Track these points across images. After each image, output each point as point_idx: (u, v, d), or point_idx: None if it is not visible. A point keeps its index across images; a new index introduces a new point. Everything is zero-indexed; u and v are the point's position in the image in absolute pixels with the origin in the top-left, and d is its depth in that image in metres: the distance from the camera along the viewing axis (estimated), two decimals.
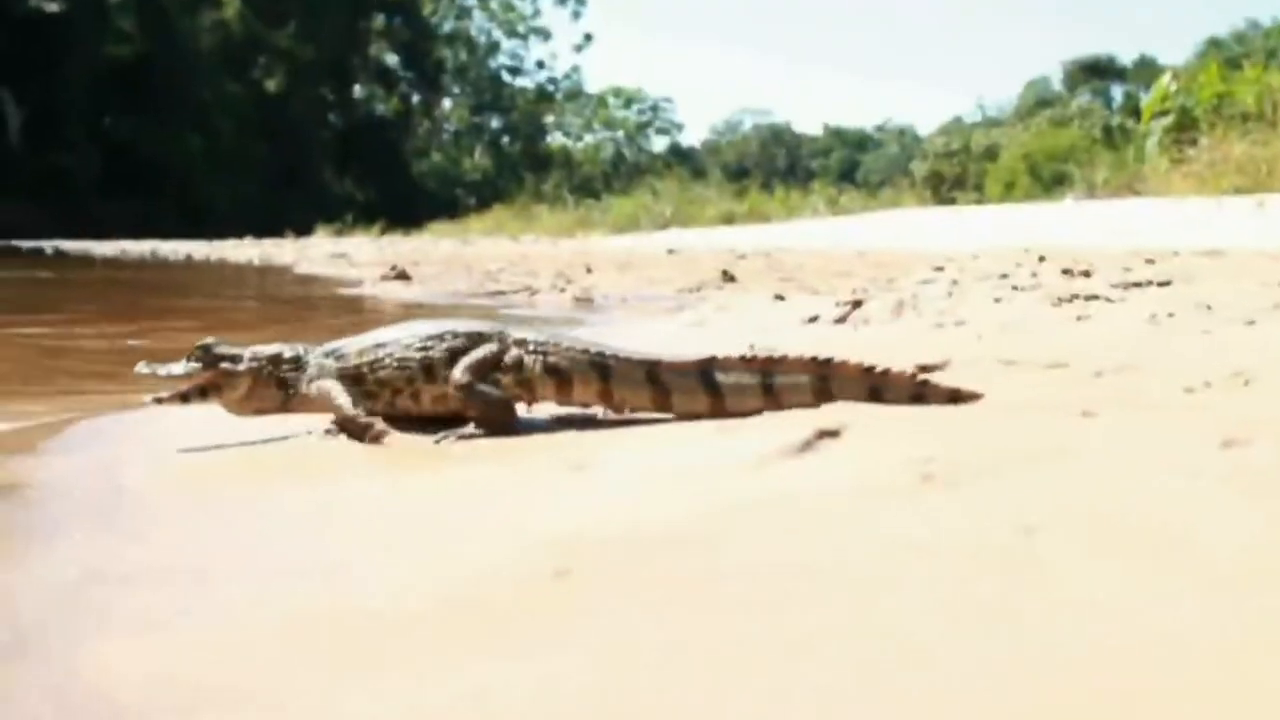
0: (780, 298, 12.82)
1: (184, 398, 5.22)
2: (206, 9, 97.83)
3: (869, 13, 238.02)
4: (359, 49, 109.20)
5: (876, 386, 4.74)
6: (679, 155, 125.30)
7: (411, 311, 16.41)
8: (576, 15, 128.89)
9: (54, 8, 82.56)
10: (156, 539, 3.51)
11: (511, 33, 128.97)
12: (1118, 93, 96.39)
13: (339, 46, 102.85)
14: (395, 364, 5.09)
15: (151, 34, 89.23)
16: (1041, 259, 14.71)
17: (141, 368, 5.24)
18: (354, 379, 5.13)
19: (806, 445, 3.49)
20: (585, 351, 5.02)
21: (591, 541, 2.80)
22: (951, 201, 54.46)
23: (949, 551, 2.46)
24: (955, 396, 4.70)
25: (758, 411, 4.73)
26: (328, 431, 4.90)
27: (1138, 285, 9.72)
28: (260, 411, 5.28)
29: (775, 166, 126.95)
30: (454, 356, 5.04)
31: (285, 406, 5.27)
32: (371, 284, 22.22)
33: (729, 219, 55.22)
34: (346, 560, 3.00)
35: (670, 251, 30.97)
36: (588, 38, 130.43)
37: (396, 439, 4.92)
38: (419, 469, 4.30)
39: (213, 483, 4.40)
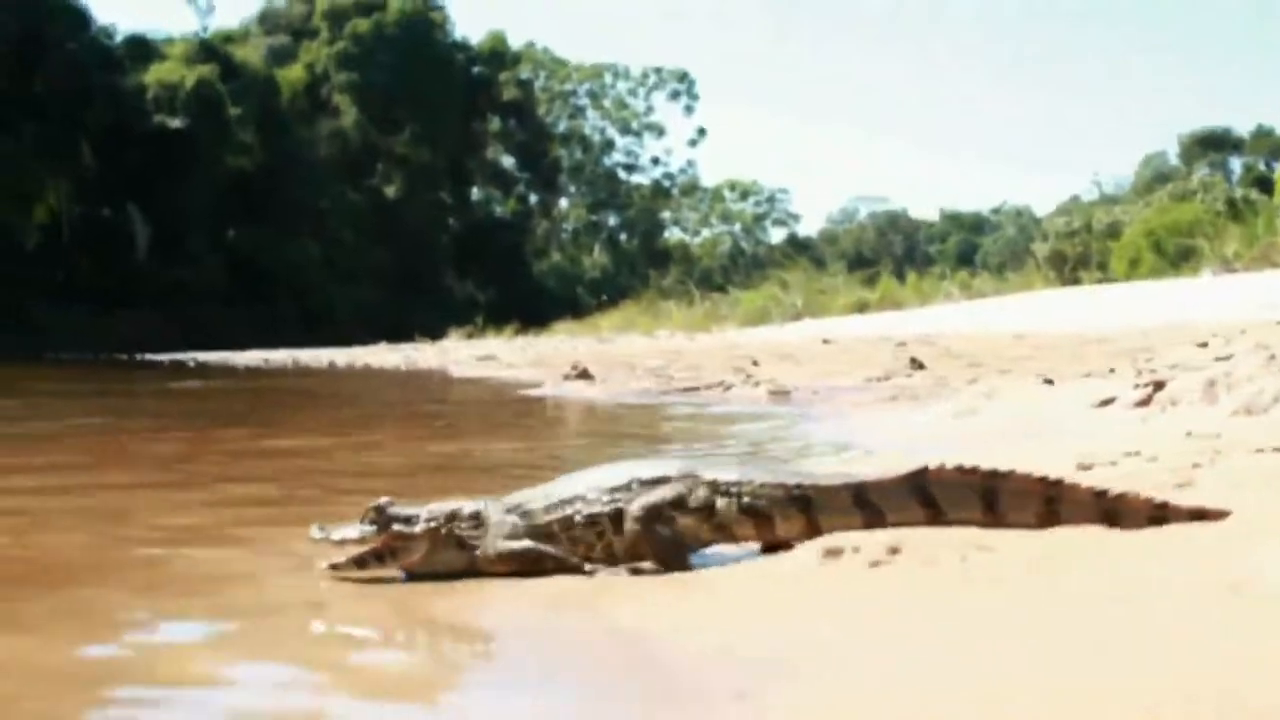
0: (1049, 381, 12.25)
1: (360, 563, 5.00)
2: (324, 119, 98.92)
3: (978, 94, 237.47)
4: (475, 152, 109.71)
5: (1111, 510, 4.38)
6: (797, 246, 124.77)
7: (612, 414, 16.05)
8: (689, 110, 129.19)
9: (178, 123, 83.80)
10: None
11: (626, 130, 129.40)
12: (1236, 164, 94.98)
13: (455, 150, 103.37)
14: (585, 520, 4.87)
15: (271, 145, 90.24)
16: None
17: (314, 532, 5.07)
18: (545, 537, 4.90)
19: None
20: (782, 486, 4.76)
21: None
22: (1076, 281, 53.64)
23: None
24: (1200, 515, 4.28)
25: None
26: (828, 553, 4.32)
27: None
28: (443, 574, 4.98)
29: (893, 253, 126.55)
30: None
31: (471, 567, 4.99)
32: (553, 385, 21.84)
33: (861, 307, 54.48)
34: None
35: (825, 342, 30.49)
36: (701, 132, 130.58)
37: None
38: (987, 592, 3.75)
39: (748, 625, 3.86)
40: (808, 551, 4.41)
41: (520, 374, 27.70)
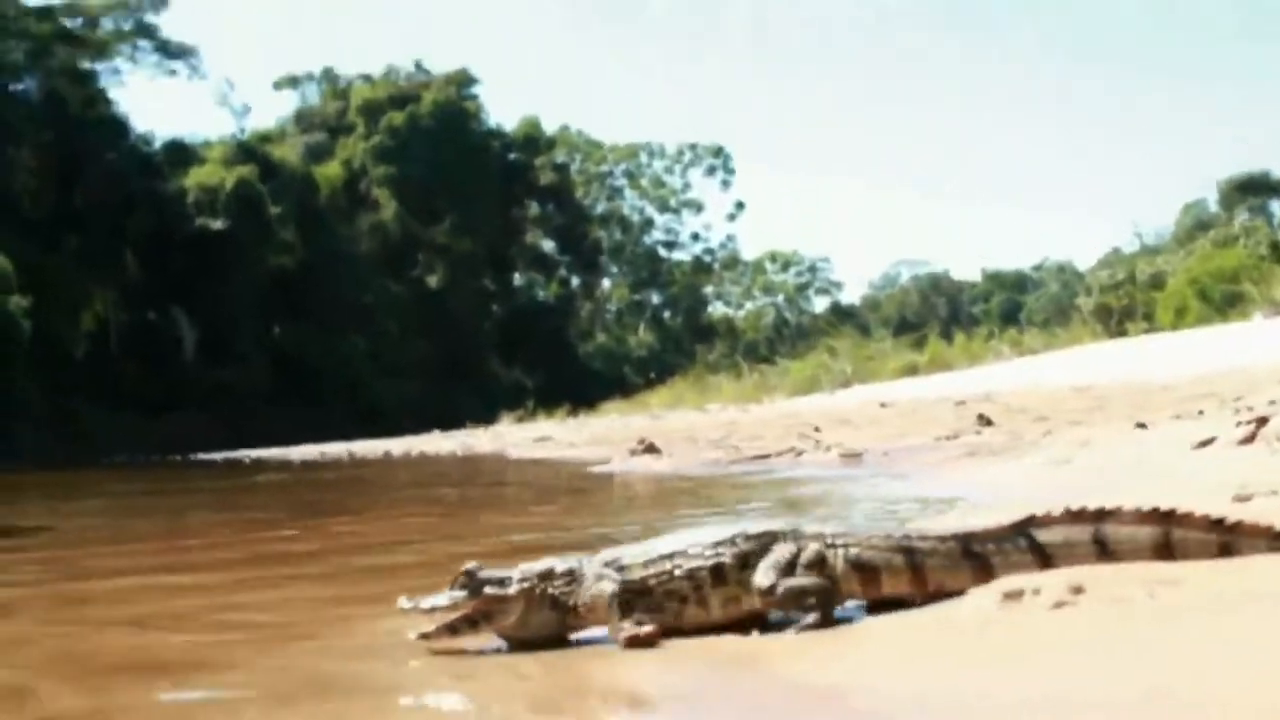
0: (1142, 425, 12.10)
1: (452, 630, 4.90)
2: (363, 213, 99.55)
3: (1014, 149, 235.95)
4: (515, 238, 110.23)
5: (1228, 542, 4.31)
6: (840, 314, 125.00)
7: (692, 486, 15.89)
8: (726, 184, 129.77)
9: (219, 225, 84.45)
10: None
11: (664, 208, 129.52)
12: (1277, 208, 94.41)
13: (495, 237, 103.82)
14: (683, 574, 4.75)
15: (312, 242, 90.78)
16: None
17: (403, 602, 4.96)
18: (640, 593, 4.77)
19: None
20: (889, 537, 4.69)
21: None
22: (1123, 333, 53.39)
23: None
24: None
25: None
26: (1007, 596, 4.19)
27: None
28: (538, 636, 4.90)
29: (937, 315, 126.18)
30: (745, 560, 4.73)
31: (564, 626, 4.91)
32: (620, 461, 21.64)
33: (911, 370, 54.25)
34: None
35: (882, 405, 30.39)
36: (739, 206, 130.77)
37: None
38: None
39: (944, 677, 3.71)
40: (983, 596, 4.28)
41: (582, 453, 27.52)
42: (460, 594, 4.89)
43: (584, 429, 44.04)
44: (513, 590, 4.86)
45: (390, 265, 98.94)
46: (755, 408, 45.12)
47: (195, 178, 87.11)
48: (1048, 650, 3.59)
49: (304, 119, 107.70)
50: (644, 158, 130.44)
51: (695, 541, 4.83)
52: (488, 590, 4.87)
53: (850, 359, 60.01)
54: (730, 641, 4.57)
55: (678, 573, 4.76)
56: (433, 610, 4.90)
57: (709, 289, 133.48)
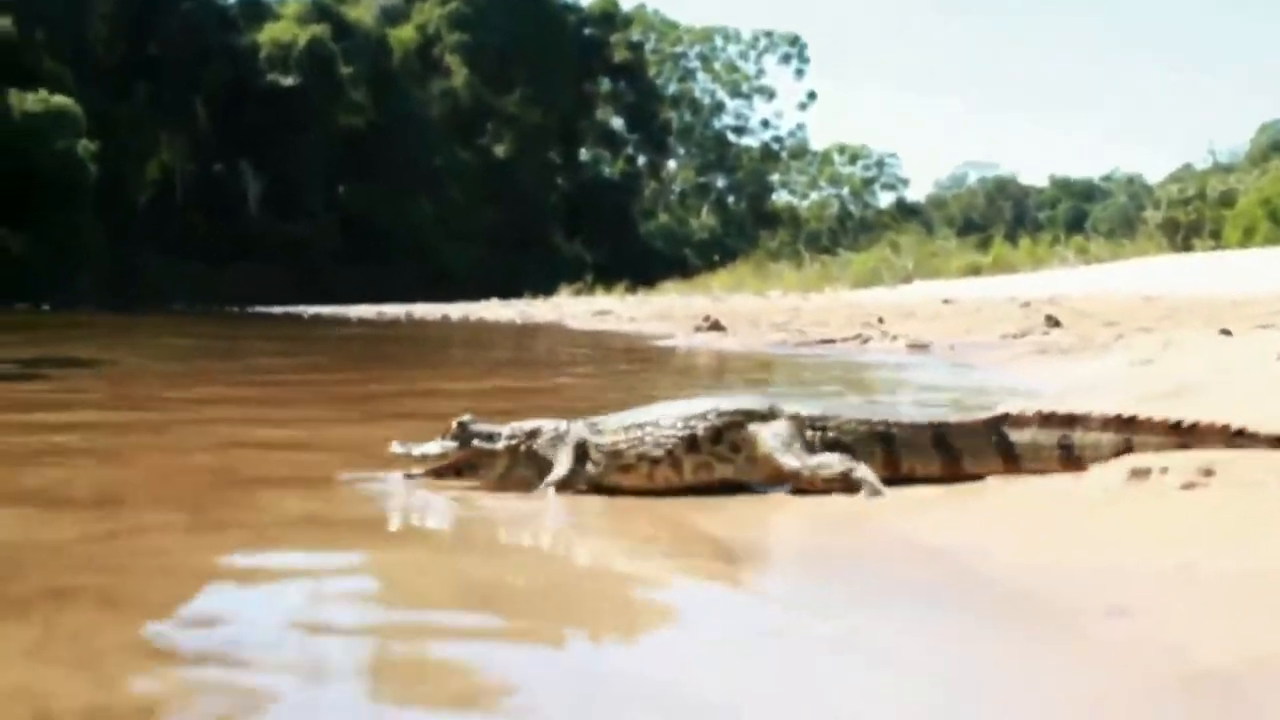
0: (1226, 332, 11.96)
1: (437, 475, 5.14)
2: (435, 78, 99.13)
3: (1091, 62, 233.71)
4: (585, 113, 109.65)
5: (1187, 443, 4.43)
6: (905, 210, 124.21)
7: (762, 363, 15.82)
8: (800, 74, 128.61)
9: (290, 81, 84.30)
10: None
11: (735, 93, 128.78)
12: None
13: (566, 111, 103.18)
14: (653, 442, 4.93)
15: (383, 104, 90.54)
16: None
17: (396, 447, 5.14)
18: (612, 455, 4.97)
19: None
20: (866, 422, 4.85)
21: None
22: (1189, 248, 52.80)
23: None
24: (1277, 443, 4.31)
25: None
26: (1134, 474, 4.14)
27: None
28: (519, 489, 5.07)
29: (1002, 219, 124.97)
30: (718, 435, 4.90)
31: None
32: (684, 337, 21.64)
33: (974, 270, 53.82)
34: None
35: (945, 301, 30.15)
36: (811, 96, 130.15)
37: None
38: None
39: (1065, 546, 3.67)
40: (1108, 473, 4.25)
41: (643, 327, 27.53)
42: (451, 444, 5.13)
43: (644, 305, 44.03)
44: (500, 446, 5.10)
45: (460, 132, 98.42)
46: (817, 296, 44.98)
47: (269, 33, 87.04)
48: (1178, 526, 3.54)
49: None
50: (719, 41, 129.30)
51: (668, 414, 5.01)
52: (476, 443, 5.10)
53: (913, 255, 59.68)
54: (836, 502, 4.57)
55: (648, 439, 4.93)
56: (424, 457, 5.15)
57: (775, 176, 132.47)
